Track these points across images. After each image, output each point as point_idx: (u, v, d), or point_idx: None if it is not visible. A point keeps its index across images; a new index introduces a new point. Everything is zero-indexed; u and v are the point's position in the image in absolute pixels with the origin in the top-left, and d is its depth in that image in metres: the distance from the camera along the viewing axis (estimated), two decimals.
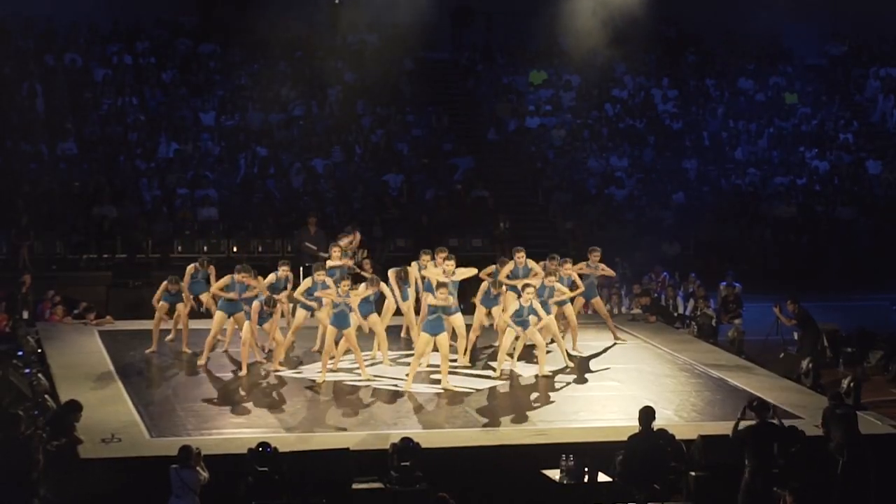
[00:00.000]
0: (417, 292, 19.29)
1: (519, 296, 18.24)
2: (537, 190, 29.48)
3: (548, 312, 18.44)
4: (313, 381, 17.82)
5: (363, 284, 18.50)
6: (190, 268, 19.60)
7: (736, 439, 13.99)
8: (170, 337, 19.62)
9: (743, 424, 14.12)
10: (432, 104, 30.85)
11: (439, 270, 18.69)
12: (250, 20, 30.01)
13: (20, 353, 18.61)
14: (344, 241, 20.13)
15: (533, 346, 18.58)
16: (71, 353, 19.15)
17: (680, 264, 26.19)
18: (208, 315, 19.52)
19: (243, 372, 18.00)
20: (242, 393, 17.38)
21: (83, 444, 14.19)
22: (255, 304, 17.84)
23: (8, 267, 24.08)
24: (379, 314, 18.84)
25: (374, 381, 17.95)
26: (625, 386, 18.14)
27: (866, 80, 34.23)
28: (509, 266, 19.33)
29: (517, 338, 18.13)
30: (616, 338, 20.63)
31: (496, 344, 19.28)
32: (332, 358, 17.99)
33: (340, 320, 17.53)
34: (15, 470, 12.98)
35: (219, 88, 29.68)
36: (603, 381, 18.44)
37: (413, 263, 19.47)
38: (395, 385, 17.76)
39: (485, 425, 16.10)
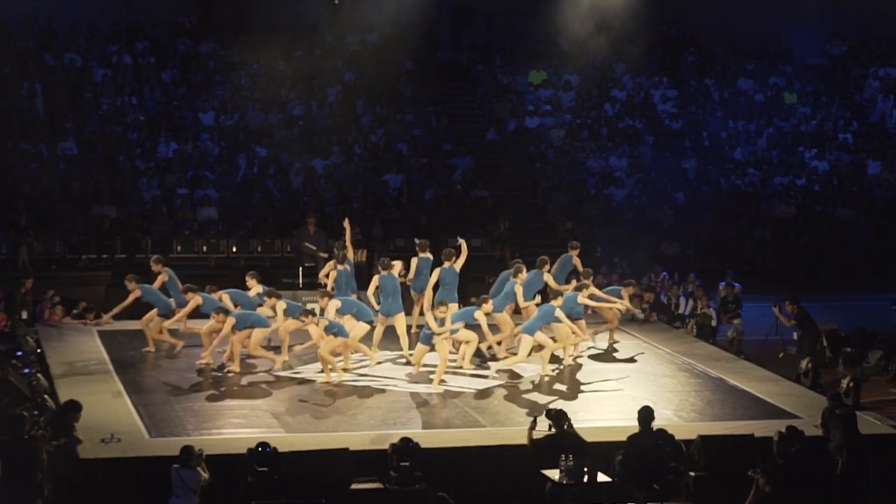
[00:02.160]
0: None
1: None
2: (537, 190, 29.48)
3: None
4: (313, 381, 17.82)
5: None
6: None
7: (533, 448, 13.73)
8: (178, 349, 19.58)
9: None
10: (432, 104, 30.86)
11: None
12: (250, 20, 30.01)
13: (19, 353, 18.61)
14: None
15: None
16: (70, 353, 19.14)
17: (680, 264, 26.20)
18: None
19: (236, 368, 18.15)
20: (242, 393, 17.38)
21: (82, 444, 14.19)
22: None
23: (8, 267, 24.09)
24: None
25: (373, 380, 17.96)
26: (624, 386, 18.14)
27: (866, 80, 34.26)
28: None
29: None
30: (612, 340, 20.55)
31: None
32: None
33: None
34: (20, 470, 12.98)
35: (219, 88, 29.68)
36: (603, 381, 18.44)
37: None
38: (395, 385, 17.77)
39: (485, 425, 16.10)
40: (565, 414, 13.94)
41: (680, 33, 34.58)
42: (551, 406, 16.96)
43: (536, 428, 13.88)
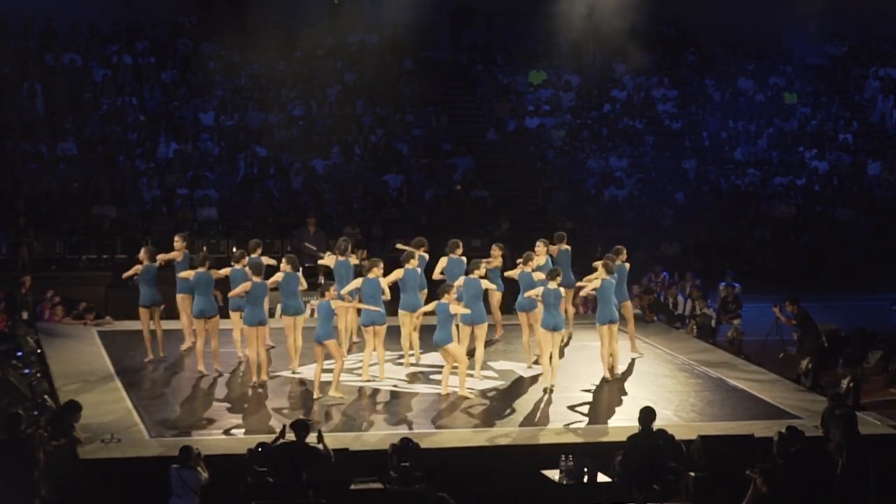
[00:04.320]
0: None
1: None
2: (537, 190, 29.48)
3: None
4: (313, 381, 17.81)
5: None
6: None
7: (268, 456, 13.64)
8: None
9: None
10: (432, 104, 30.86)
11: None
12: (250, 20, 30.01)
13: (20, 353, 18.61)
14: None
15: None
16: (70, 353, 19.16)
17: (680, 264, 26.19)
18: None
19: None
20: (242, 393, 17.37)
21: (82, 444, 14.19)
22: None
23: (8, 267, 24.08)
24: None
25: (373, 380, 17.96)
26: (625, 386, 18.13)
27: (866, 80, 34.26)
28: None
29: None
30: (634, 349, 19.85)
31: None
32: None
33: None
34: (17, 469, 12.98)
35: (219, 88, 29.67)
36: (603, 382, 18.42)
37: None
38: (395, 385, 17.76)
39: (484, 425, 16.11)
40: (308, 425, 13.77)
41: (680, 33, 34.57)
42: (569, 409, 17.00)
43: (285, 437, 13.78)
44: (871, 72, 34.24)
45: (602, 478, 14.10)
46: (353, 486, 14.05)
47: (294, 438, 13.70)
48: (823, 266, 28.47)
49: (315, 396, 16.92)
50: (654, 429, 14.25)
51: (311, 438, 13.81)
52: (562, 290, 17.52)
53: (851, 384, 18.13)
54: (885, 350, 21.38)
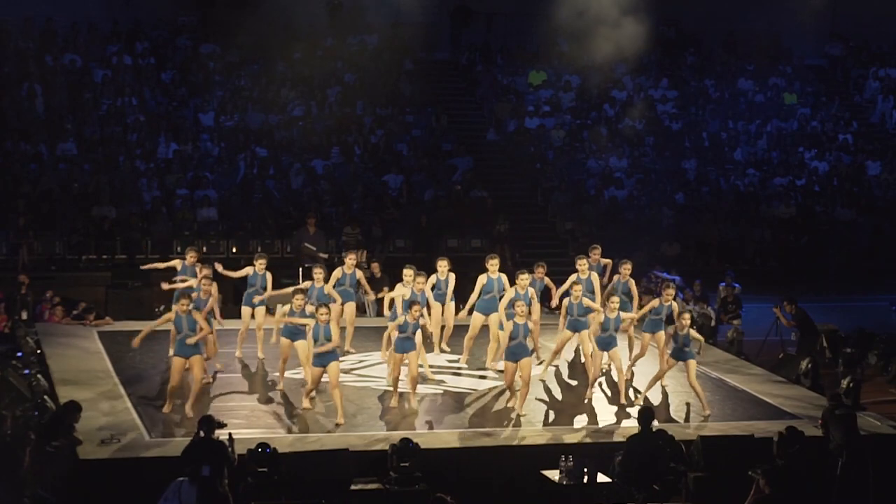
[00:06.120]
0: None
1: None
2: (537, 190, 29.49)
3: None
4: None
5: None
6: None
7: (182, 450, 13.62)
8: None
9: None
10: (432, 104, 30.86)
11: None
12: (250, 20, 30.02)
13: (19, 353, 18.59)
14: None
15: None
16: (70, 354, 19.14)
17: (680, 264, 26.19)
18: None
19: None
20: (242, 393, 17.37)
21: (82, 444, 14.19)
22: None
23: (8, 267, 24.08)
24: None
25: (373, 381, 17.96)
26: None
27: (866, 81, 34.28)
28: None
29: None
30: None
31: None
32: None
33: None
34: (1, 470, 12.99)
35: (218, 89, 29.67)
36: (602, 382, 18.42)
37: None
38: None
39: (484, 425, 16.10)
40: (213, 423, 13.74)
41: (680, 33, 34.58)
42: (570, 409, 17.00)
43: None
44: (871, 72, 34.27)
45: (602, 478, 14.10)
46: (353, 486, 14.06)
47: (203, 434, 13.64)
48: (823, 266, 28.48)
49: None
50: (654, 429, 14.26)
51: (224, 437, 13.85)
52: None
53: (851, 384, 18.13)
54: (884, 350, 21.37)
